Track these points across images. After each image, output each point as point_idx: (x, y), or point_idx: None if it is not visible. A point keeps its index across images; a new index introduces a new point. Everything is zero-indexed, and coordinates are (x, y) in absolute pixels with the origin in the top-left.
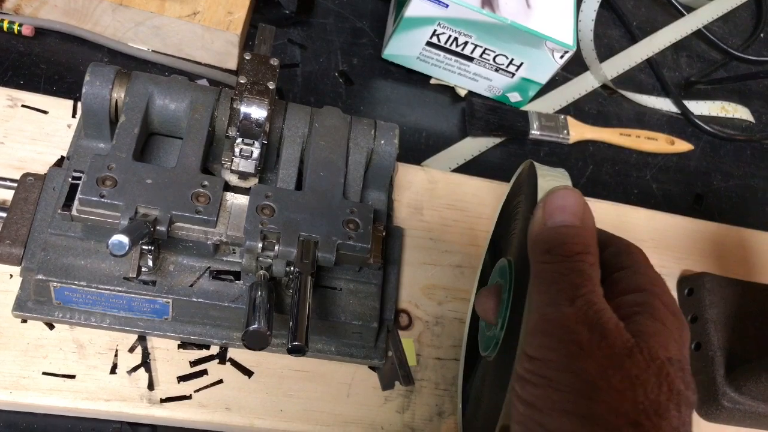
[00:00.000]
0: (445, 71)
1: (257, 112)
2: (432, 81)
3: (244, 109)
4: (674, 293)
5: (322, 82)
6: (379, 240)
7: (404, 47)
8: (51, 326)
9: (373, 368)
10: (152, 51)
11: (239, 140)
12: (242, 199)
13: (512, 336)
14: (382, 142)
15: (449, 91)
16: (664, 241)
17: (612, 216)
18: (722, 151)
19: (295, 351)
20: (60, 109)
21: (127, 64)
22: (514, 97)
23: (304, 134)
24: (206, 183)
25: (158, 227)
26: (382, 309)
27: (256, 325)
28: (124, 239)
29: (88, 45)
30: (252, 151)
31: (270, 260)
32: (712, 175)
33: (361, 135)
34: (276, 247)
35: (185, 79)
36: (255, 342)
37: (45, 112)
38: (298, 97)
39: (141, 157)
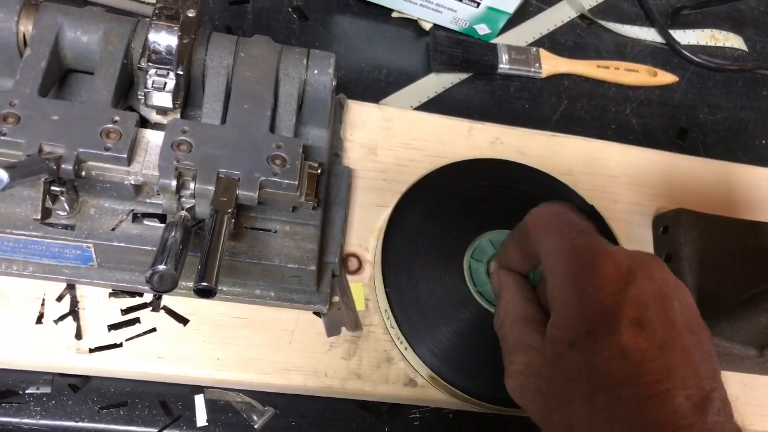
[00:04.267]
0: (406, 3)
1: (166, 38)
2: (394, 14)
3: (152, 36)
4: (649, 232)
5: (274, 18)
6: (313, 178)
7: None
8: None
9: (318, 314)
10: None
11: (152, 71)
12: (161, 136)
13: None
14: (316, 72)
15: (413, 25)
16: (639, 177)
17: (583, 152)
18: (710, 83)
19: (202, 292)
20: None
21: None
22: (482, 29)
23: (229, 65)
24: (117, 118)
25: (63, 165)
26: (324, 252)
27: (163, 266)
28: (3, 173)
29: None
30: (165, 83)
31: (193, 201)
32: (698, 108)
33: (291, 65)
34: (192, 185)
35: (100, 9)
36: (160, 283)
37: None
38: (248, 35)
39: (59, 95)
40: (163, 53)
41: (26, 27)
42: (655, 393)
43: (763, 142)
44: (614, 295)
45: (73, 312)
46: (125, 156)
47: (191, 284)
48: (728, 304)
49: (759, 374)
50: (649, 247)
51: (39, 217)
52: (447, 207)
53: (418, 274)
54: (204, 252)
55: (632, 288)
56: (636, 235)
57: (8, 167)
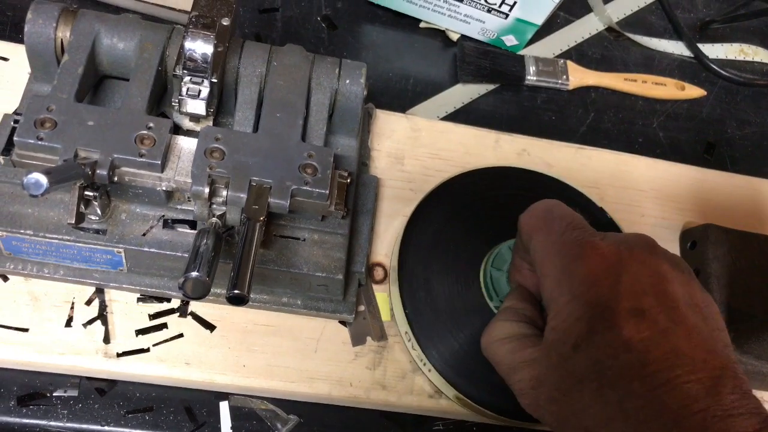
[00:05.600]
0: (434, 13)
1: (202, 46)
2: (422, 25)
3: (188, 44)
4: (676, 246)
5: (303, 27)
6: (342, 187)
7: None
8: (5, 278)
9: (343, 323)
10: None
11: (186, 79)
12: (193, 143)
13: None
14: (348, 81)
15: (440, 35)
16: (667, 191)
17: (610, 165)
18: (739, 97)
19: (234, 300)
20: (23, 56)
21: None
22: (510, 40)
23: (261, 74)
24: (151, 125)
25: (98, 171)
26: (351, 261)
27: (195, 273)
28: (42, 178)
29: None
30: (200, 90)
31: (224, 208)
32: (727, 122)
33: (323, 74)
34: (225, 193)
35: (136, 17)
36: (193, 290)
37: (5, 59)
38: (277, 43)
39: (93, 101)
40: (199, 61)
41: (64, 33)
42: (664, 381)
43: None
44: (607, 288)
45: (102, 316)
46: (159, 162)
47: (219, 290)
48: (757, 322)
49: None
50: None
51: (73, 221)
52: (466, 214)
53: (435, 289)
54: (236, 259)
55: (624, 278)
56: None
57: (46, 172)
